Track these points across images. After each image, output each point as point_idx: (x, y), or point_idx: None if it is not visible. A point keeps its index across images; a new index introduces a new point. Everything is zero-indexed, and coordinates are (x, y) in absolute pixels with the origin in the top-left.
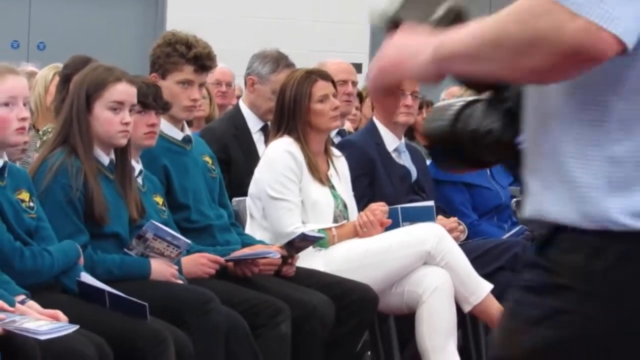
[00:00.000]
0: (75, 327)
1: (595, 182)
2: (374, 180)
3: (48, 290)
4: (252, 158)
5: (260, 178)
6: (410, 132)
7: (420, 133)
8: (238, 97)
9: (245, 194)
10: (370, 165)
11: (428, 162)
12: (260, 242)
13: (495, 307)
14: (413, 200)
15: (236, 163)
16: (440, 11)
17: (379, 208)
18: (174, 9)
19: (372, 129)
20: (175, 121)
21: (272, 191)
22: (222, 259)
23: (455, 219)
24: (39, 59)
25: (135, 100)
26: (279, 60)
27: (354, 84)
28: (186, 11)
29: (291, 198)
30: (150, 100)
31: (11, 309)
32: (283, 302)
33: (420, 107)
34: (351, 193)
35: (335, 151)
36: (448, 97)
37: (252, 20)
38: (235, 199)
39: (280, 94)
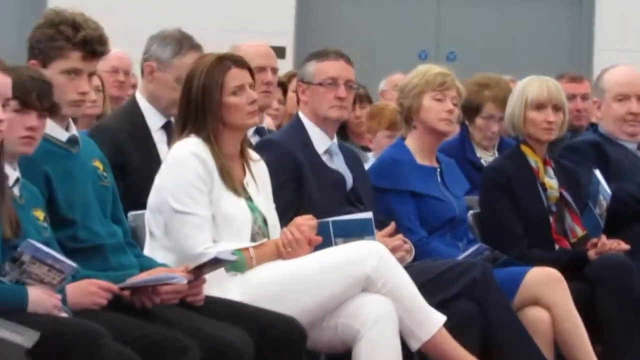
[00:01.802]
0: None
1: None
2: (301, 188)
3: None
4: (152, 162)
5: (162, 187)
6: (343, 131)
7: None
8: (134, 88)
9: (143, 206)
10: (295, 170)
11: (367, 165)
12: (162, 265)
13: (450, 344)
14: (349, 212)
15: (133, 169)
16: None
17: (305, 223)
18: None
19: (298, 127)
20: (59, 118)
21: (176, 203)
22: (115, 287)
23: (400, 235)
24: None
25: (9, 93)
26: (182, 41)
27: (275, 71)
28: None
29: (199, 211)
30: (33, 99)
31: None
32: (190, 338)
33: (355, 102)
34: (272, 205)
35: (252, 154)
36: (388, 87)
37: None
38: (131, 213)
39: (186, 85)
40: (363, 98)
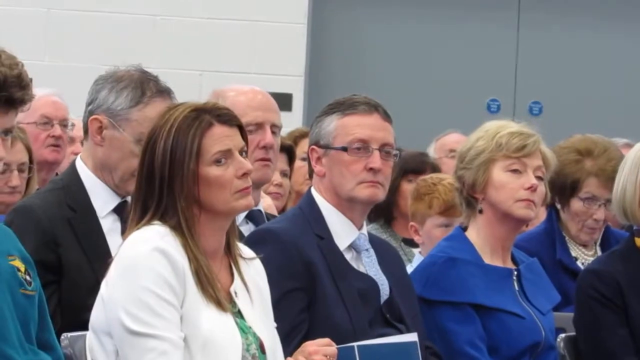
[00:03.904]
0: None
1: None
2: (314, 300)
3: None
4: (99, 262)
5: (112, 298)
6: (387, 213)
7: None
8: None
9: (85, 325)
10: (306, 274)
11: (410, 267)
12: None
13: None
14: (383, 334)
15: (70, 271)
16: None
17: (321, 349)
18: None
19: (311, 211)
20: None
21: (132, 321)
22: None
23: None
24: None
25: None
26: (144, 85)
27: (277, 129)
28: None
29: (166, 333)
30: None
31: None
32: None
33: (404, 173)
34: (272, 323)
35: (244, 249)
36: (441, 153)
37: (103, 16)
38: (67, 335)
39: (147, 149)
40: (405, 171)
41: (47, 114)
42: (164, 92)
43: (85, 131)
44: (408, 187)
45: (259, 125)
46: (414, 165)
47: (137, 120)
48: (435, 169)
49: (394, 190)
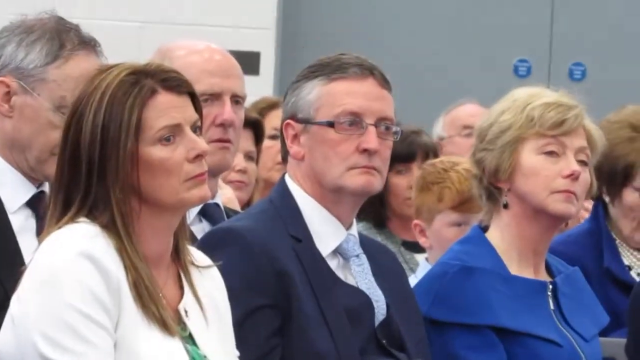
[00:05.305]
0: None
1: None
2: (289, 320)
3: None
4: (8, 269)
5: (26, 317)
6: (378, 210)
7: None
8: None
9: None
10: (279, 286)
11: (414, 279)
12: None
13: None
14: None
15: None
16: None
17: None
18: None
19: (284, 205)
20: None
21: (49, 347)
22: None
23: None
24: None
25: None
26: (62, 36)
27: (240, 100)
28: None
29: None
30: None
31: None
32: None
33: (405, 159)
34: (234, 351)
35: (196, 255)
36: (453, 130)
37: None
38: None
39: (72, 123)
40: (407, 153)
41: None
42: (88, 43)
43: None
44: (398, 181)
45: (216, 96)
46: (400, 150)
47: (56, 81)
48: (433, 152)
49: None
